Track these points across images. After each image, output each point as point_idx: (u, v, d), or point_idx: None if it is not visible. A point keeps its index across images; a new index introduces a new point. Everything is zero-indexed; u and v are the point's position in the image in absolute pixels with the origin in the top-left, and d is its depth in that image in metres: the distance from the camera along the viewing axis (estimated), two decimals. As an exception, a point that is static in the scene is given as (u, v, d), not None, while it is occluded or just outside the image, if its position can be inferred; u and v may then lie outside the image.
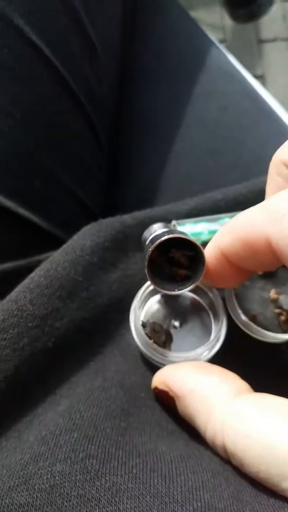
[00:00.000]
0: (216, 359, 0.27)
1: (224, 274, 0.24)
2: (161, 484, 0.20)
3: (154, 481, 0.20)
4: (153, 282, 0.26)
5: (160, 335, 0.29)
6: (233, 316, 0.28)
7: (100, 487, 0.20)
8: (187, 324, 0.29)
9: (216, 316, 0.29)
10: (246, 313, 0.29)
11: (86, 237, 0.29)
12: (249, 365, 0.28)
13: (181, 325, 0.29)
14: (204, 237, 0.30)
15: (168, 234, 0.26)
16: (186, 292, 0.27)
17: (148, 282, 0.28)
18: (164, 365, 0.26)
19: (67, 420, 0.23)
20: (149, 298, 0.30)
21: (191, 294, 0.30)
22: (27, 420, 0.24)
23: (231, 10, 0.99)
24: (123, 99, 0.42)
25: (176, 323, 0.29)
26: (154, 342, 0.27)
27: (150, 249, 0.25)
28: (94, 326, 0.28)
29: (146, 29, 0.44)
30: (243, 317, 0.28)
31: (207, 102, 0.41)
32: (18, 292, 0.26)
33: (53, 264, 0.27)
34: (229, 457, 0.20)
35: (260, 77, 1.26)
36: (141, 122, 0.42)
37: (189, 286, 0.26)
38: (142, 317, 0.28)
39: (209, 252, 0.24)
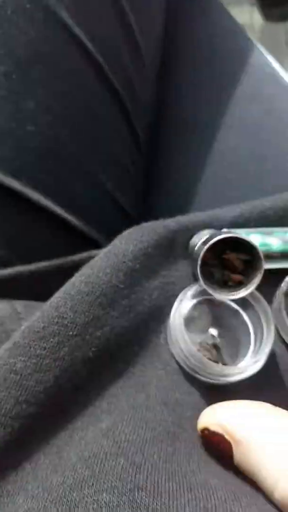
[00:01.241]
0: (266, 381, 0.25)
1: None
2: None
3: None
4: (206, 285, 0.25)
5: (211, 351, 0.27)
6: (282, 333, 0.27)
7: None
8: (226, 333, 0.28)
9: (258, 324, 0.28)
10: None
11: (129, 242, 0.28)
12: None
13: (219, 334, 0.28)
14: (275, 248, 0.29)
15: (224, 234, 0.24)
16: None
17: (179, 298, 0.27)
18: (212, 380, 0.25)
19: (112, 443, 0.22)
20: (183, 313, 0.28)
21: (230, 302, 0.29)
22: (67, 434, 0.23)
23: (264, 8, 0.96)
24: (163, 100, 0.41)
25: (215, 332, 0.28)
26: (211, 360, 0.26)
27: (204, 247, 0.24)
28: (135, 335, 0.27)
29: (188, 29, 0.43)
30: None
31: (250, 105, 0.40)
32: (58, 298, 0.25)
33: (94, 269, 0.26)
34: None
35: None
36: (180, 125, 0.41)
37: (244, 291, 0.25)
38: (189, 340, 0.26)
39: None
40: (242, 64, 0.42)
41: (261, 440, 0.20)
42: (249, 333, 0.28)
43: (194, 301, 0.29)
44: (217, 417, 0.22)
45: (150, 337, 0.28)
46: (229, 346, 0.28)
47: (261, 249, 0.26)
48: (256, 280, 0.25)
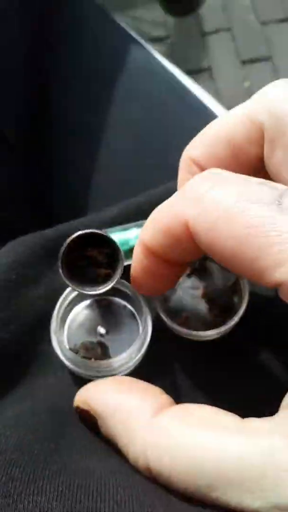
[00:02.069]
0: (152, 366, 0.26)
1: (154, 273, 0.23)
2: (88, 499, 0.19)
3: (81, 497, 0.20)
4: (71, 283, 0.25)
5: (95, 350, 0.28)
6: (165, 320, 0.28)
7: (23, 509, 0.19)
8: (114, 329, 0.29)
9: (140, 314, 0.28)
10: (178, 314, 0.28)
11: (2, 256, 0.28)
12: (181, 367, 0.28)
13: (107, 331, 0.29)
14: (133, 243, 0.29)
15: (80, 232, 0.25)
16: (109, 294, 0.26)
17: (60, 302, 0.28)
18: (99, 374, 0.26)
19: None
20: (66, 317, 0.29)
21: (111, 298, 0.29)
22: None
23: (166, 5, 0.98)
24: (42, 106, 0.41)
25: (102, 330, 0.29)
26: (95, 359, 0.26)
27: (63, 247, 0.25)
28: (20, 347, 0.27)
29: (62, 31, 0.43)
30: (170, 324, 0.27)
31: (129, 103, 0.41)
32: None
33: None
34: (156, 478, 0.20)
35: (207, 70, 1.26)
36: (63, 130, 0.41)
37: (110, 283, 0.26)
38: (66, 342, 0.27)
39: (136, 251, 0.24)
40: (119, 63, 0.42)
41: (112, 411, 0.22)
42: (138, 326, 0.29)
43: (82, 304, 0.29)
44: (83, 395, 0.24)
45: (38, 346, 0.28)
46: (120, 341, 0.29)
47: (122, 247, 0.27)
48: (119, 270, 0.25)
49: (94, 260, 0.26)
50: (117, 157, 0.39)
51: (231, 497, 0.17)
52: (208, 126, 0.24)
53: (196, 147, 0.24)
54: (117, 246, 0.25)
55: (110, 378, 0.25)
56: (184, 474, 0.18)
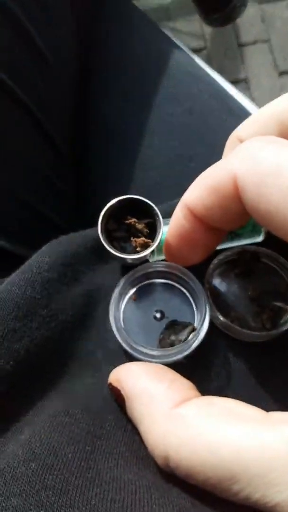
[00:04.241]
0: (196, 362, 0.26)
1: (191, 238, 0.23)
2: None
3: None
4: (110, 248, 0.25)
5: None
6: (211, 318, 0.27)
7: None
8: (169, 315, 0.28)
9: (198, 304, 0.28)
10: (226, 314, 0.28)
11: (44, 254, 0.28)
12: (231, 366, 0.27)
13: (162, 317, 0.28)
14: None
15: (120, 197, 0.25)
16: (152, 263, 0.26)
17: (118, 285, 0.27)
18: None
19: (27, 450, 0.22)
20: (124, 299, 0.28)
21: (169, 282, 0.29)
22: None
23: (205, 16, 0.99)
24: (87, 109, 0.41)
25: (158, 314, 0.28)
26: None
27: (102, 213, 0.25)
28: (59, 345, 0.27)
29: (105, 37, 0.44)
30: (222, 319, 0.27)
31: (172, 106, 0.41)
32: None
33: (8, 285, 0.26)
34: (173, 469, 0.19)
35: (243, 80, 1.26)
36: (107, 132, 0.41)
37: (148, 249, 0.25)
38: (122, 322, 0.27)
39: (175, 214, 0.23)
40: (162, 67, 0.42)
41: (138, 393, 0.22)
42: (192, 309, 0.28)
43: (128, 295, 0.29)
44: (117, 373, 0.24)
45: (76, 345, 0.27)
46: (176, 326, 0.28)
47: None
48: (158, 236, 0.25)
49: (133, 229, 0.26)
50: (160, 159, 0.39)
51: (254, 491, 0.16)
52: (258, 110, 0.24)
53: (245, 128, 0.24)
54: (157, 212, 0.25)
55: (144, 363, 0.24)
56: (204, 465, 0.18)
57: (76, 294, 0.28)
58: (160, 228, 0.25)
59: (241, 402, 0.20)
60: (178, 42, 0.48)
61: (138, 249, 0.26)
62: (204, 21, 1.02)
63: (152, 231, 0.26)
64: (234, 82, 1.25)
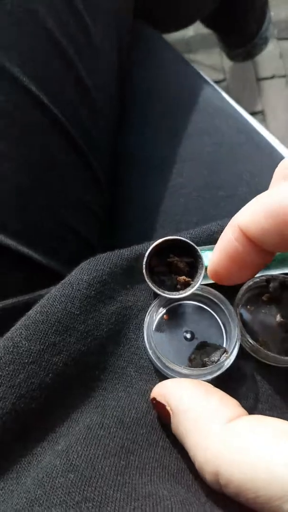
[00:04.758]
0: (223, 384, 0.26)
1: (241, 258, 0.23)
2: None
3: None
4: (153, 285, 0.27)
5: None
6: (240, 341, 0.28)
7: None
8: (199, 336, 0.29)
9: (227, 328, 0.29)
10: (254, 338, 0.29)
11: (84, 272, 0.29)
12: (258, 390, 0.28)
13: (192, 337, 0.29)
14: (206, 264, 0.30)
15: (165, 237, 0.26)
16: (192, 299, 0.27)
17: (153, 306, 0.29)
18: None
19: (65, 461, 0.22)
20: (156, 318, 0.30)
21: (199, 305, 0.30)
22: (26, 461, 0.24)
23: (228, 50, 1.03)
24: (122, 140, 0.43)
25: (188, 335, 0.29)
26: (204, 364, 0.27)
27: (147, 252, 0.26)
28: (94, 359, 0.28)
29: (141, 73, 0.46)
30: (252, 342, 0.28)
31: (202, 138, 0.43)
32: (14, 329, 0.26)
33: (50, 299, 0.27)
34: (223, 486, 0.19)
35: (260, 113, 1.29)
36: (139, 161, 0.43)
37: (189, 289, 0.26)
38: (155, 341, 0.28)
39: (225, 235, 0.24)
40: (193, 101, 0.45)
41: (186, 409, 0.22)
42: (221, 332, 0.30)
43: (160, 314, 0.30)
44: (162, 388, 0.24)
45: (110, 360, 0.29)
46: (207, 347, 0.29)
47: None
48: (199, 277, 0.26)
49: (175, 267, 0.27)
50: (189, 188, 0.40)
51: None
52: None
53: None
54: (199, 253, 0.26)
55: (191, 380, 0.25)
56: (256, 482, 0.17)
57: (111, 312, 0.29)
58: (202, 269, 0.26)
59: None
60: (207, 77, 0.51)
61: (178, 286, 0.27)
62: (227, 55, 1.06)
63: (192, 269, 0.27)
64: (252, 114, 1.29)
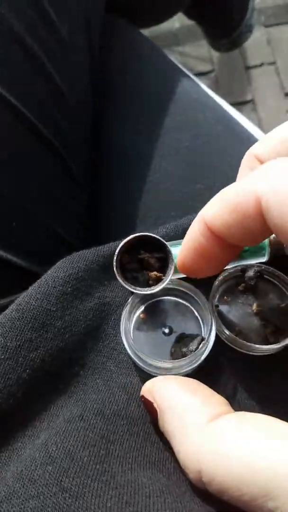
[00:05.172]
0: (203, 376, 0.27)
1: (207, 252, 0.23)
2: None
3: None
4: (124, 282, 0.27)
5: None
6: (217, 332, 0.29)
7: None
8: (177, 329, 0.30)
9: (204, 318, 0.30)
10: (230, 328, 0.29)
11: (60, 269, 0.30)
12: (236, 379, 0.29)
13: (170, 331, 0.30)
14: None
15: (134, 235, 0.27)
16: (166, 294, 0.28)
17: (127, 305, 0.29)
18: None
19: (44, 454, 0.23)
20: (133, 317, 0.30)
21: (175, 299, 0.31)
22: (6, 456, 0.24)
23: (213, 41, 1.02)
24: (101, 136, 0.44)
25: (166, 330, 0.30)
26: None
27: (117, 250, 0.26)
28: (73, 355, 0.28)
29: (119, 68, 0.46)
30: (228, 332, 0.28)
31: (180, 132, 0.43)
32: None
33: (26, 297, 0.28)
34: (206, 484, 0.19)
35: (250, 102, 1.29)
36: (119, 158, 0.43)
37: (160, 284, 0.27)
38: (132, 338, 0.29)
39: (192, 229, 0.23)
40: (172, 95, 0.45)
41: (171, 407, 0.22)
42: (198, 323, 0.30)
43: (137, 311, 0.31)
44: (149, 386, 0.24)
45: (89, 356, 0.29)
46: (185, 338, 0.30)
47: None
48: (169, 271, 0.27)
49: (146, 263, 0.28)
50: (168, 182, 0.41)
51: None
52: (273, 130, 0.25)
53: (261, 145, 0.24)
54: (169, 249, 0.27)
55: (177, 377, 0.25)
56: (239, 481, 0.17)
57: (89, 308, 0.30)
58: (172, 264, 0.27)
59: (272, 417, 0.19)
60: (185, 70, 0.51)
61: (150, 282, 0.28)
62: (212, 46, 1.06)
63: (163, 264, 0.28)
64: (242, 103, 1.28)
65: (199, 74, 1.34)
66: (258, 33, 1.34)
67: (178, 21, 1.39)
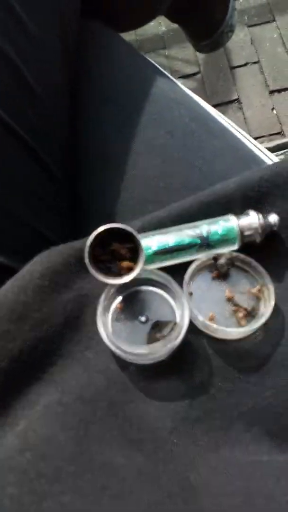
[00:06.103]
0: (178, 361, 0.28)
1: None
2: (111, 503, 0.20)
3: (104, 500, 0.20)
4: (97, 274, 0.28)
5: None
6: (191, 319, 0.30)
7: (47, 509, 0.20)
8: (153, 317, 0.31)
9: (177, 305, 0.31)
10: (204, 314, 0.30)
11: (37, 264, 0.31)
12: (212, 363, 0.29)
13: (146, 320, 0.31)
14: (154, 249, 0.32)
15: (104, 226, 0.28)
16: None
17: (103, 296, 0.30)
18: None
19: (22, 441, 0.23)
20: (111, 307, 0.31)
21: (151, 288, 0.32)
22: None
23: (195, 43, 1.04)
24: (77, 133, 0.45)
25: (143, 318, 0.31)
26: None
27: (88, 242, 0.27)
28: (52, 345, 0.29)
29: (92, 66, 0.47)
30: (201, 318, 0.30)
31: (155, 129, 0.44)
32: None
33: (3, 291, 0.29)
34: None
35: (236, 101, 1.30)
36: (95, 154, 0.44)
37: (132, 274, 0.28)
38: (110, 326, 0.30)
39: None
40: (148, 93, 0.46)
41: None
42: (172, 309, 0.31)
43: (114, 301, 0.32)
44: None
45: (68, 346, 0.30)
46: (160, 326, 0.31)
47: (159, 246, 0.30)
48: (140, 260, 0.28)
49: (117, 254, 0.29)
50: (144, 179, 0.42)
51: None
52: None
53: None
54: (138, 238, 0.27)
55: None
56: None
57: (67, 300, 0.31)
58: (142, 253, 0.28)
59: None
60: (161, 68, 0.52)
61: (122, 272, 0.29)
62: (195, 48, 1.07)
63: (134, 254, 0.29)
64: (228, 103, 1.30)
65: (186, 76, 1.36)
66: (241, 34, 1.36)
67: (164, 25, 1.41)
